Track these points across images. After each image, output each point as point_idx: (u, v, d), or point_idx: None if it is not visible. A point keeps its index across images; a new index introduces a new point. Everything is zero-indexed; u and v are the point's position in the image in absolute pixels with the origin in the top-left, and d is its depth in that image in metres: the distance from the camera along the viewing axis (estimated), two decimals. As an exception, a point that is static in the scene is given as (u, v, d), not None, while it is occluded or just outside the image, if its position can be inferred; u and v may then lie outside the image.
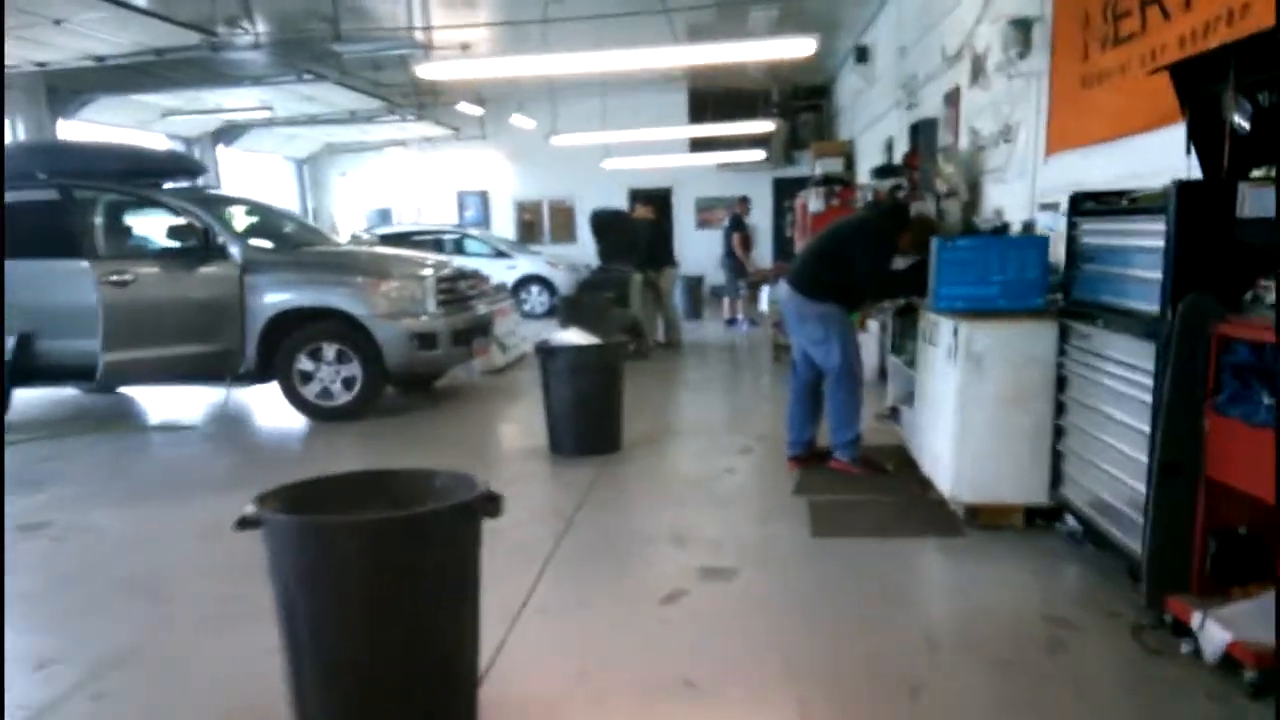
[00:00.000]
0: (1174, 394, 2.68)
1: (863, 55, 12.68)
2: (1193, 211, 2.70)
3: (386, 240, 16.37)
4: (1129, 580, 3.13)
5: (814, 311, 4.96)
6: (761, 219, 17.40)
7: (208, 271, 6.99)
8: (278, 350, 7.02)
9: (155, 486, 5.48)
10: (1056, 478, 3.69)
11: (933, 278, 4.12)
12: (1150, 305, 2.93)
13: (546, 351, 5.71)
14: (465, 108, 14.48)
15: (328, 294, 7.02)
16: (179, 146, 14.79)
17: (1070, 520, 3.66)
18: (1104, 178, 4.50)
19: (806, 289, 4.99)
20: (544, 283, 15.96)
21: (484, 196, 19.15)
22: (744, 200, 13.80)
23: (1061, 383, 3.64)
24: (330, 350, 7.03)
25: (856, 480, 4.87)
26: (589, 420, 5.76)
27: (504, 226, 19.09)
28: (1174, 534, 2.71)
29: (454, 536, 2.21)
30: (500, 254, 16.36)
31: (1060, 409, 3.65)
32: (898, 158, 10.28)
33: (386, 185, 19.12)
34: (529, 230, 19.26)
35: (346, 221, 18.44)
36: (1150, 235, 2.93)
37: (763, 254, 16.81)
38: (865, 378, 5.25)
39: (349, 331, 7.00)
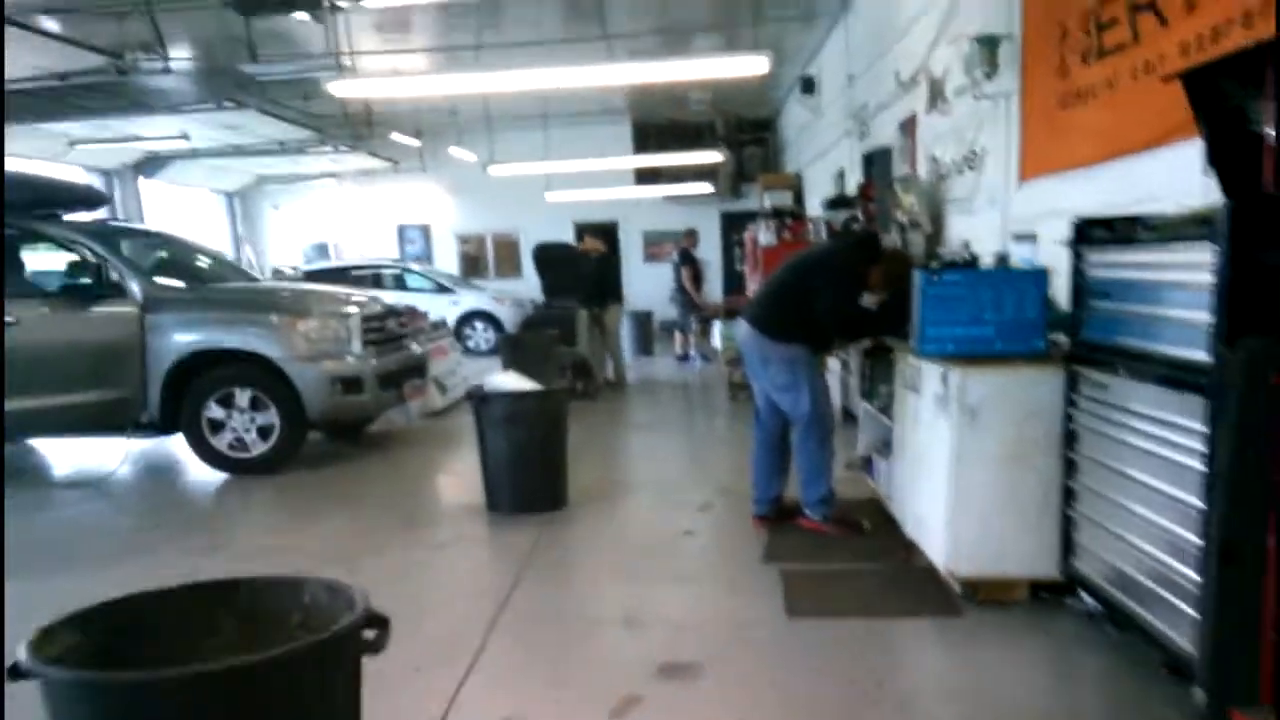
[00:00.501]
0: (1233, 461, 2.20)
1: (809, 86, 12.41)
2: (1250, 237, 2.24)
3: (320, 276, 15.66)
4: (1168, 675, 2.64)
5: (778, 354, 4.46)
6: (710, 252, 16.98)
7: (102, 311, 6.28)
8: (185, 397, 6.32)
9: (29, 556, 4.73)
10: (1068, 548, 3.20)
11: (916, 316, 3.64)
12: (1189, 350, 2.47)
13: (480, 398, 5.11)
14: (400, 138, 13.88)
15: (240, 334, 6.35)
16: (96, 179, 13.95)
17: (1085, 597, 3.17)
18: (1090, 204, 4.09)
19: (769, 329, 4.49)
20: (489, 318, 15.35)
21: (425, 230, 18.50)
22: (691, 233, 13.38)
23: (1071, 438, 3.16)
24: (243, 396, 6.35)
25: (831, 542, 4.35)
26: (529, 475, 5.17)
27: (447, 260, 18.44)
28: (1238, 633, 2.22)
29: (320, 682, 1.61)
30: (443, 289, 15.73)
31: (1070, 468, 3.17)
32: (851, 188, 9.94)
33: (324, 219, 18.38)
34: (473, 265, 18.63)
35: (280, 256, 17.64)
36: (1187, 267, 2.47)
37: (713, 288, 16.40)
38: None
39: (264, 376, 6.34)
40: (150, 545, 4.87)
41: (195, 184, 16.28)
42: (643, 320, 14.24)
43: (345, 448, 7.51)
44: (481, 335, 15.34)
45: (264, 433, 6.40)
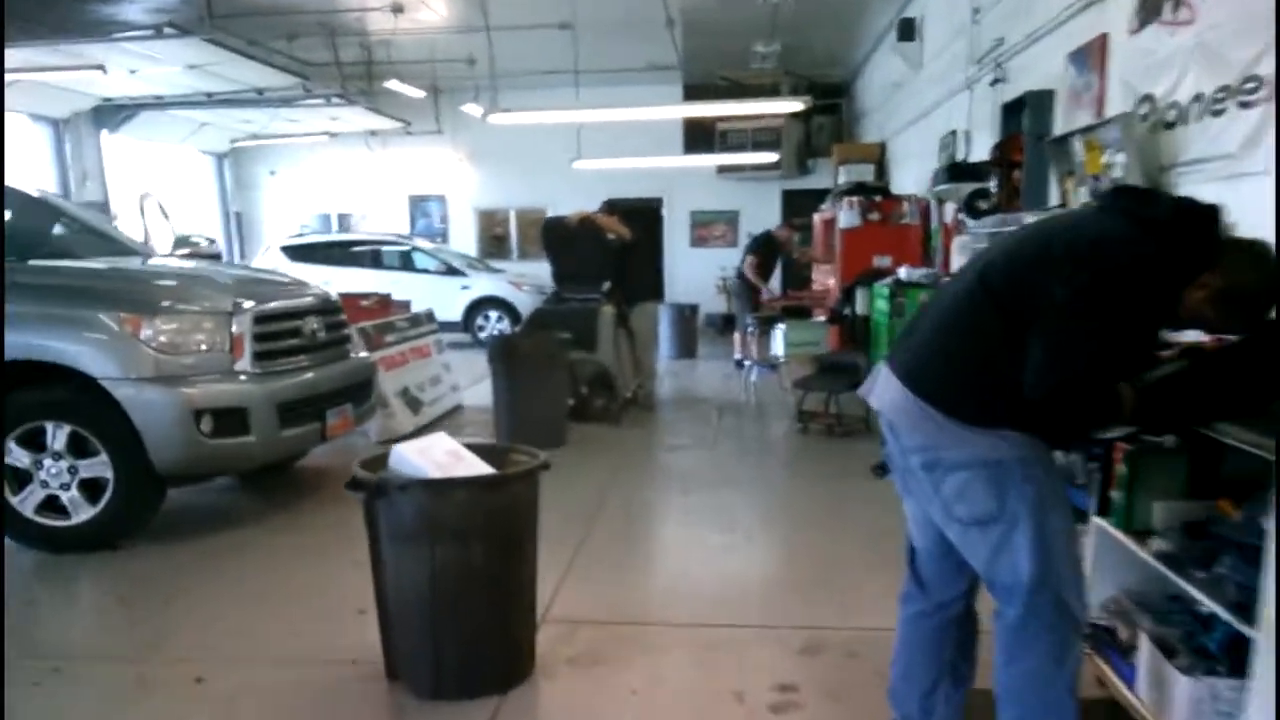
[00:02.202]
0: None
1: (907, 31, 9.84)
2: None
3: (298, 252, 13.52)
4: None
5: (968, 449, 2.04)
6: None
7: None
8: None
9: None
10: None
11: None
12: None
13: (374, 489, 2.74)
14: (400, 88, 11.55)
15: (48, 339, 4.07)
16: (45, 128, 11.85)
17: None
18: None
19: (948, 394, 2.05)
20: (505, 306, 13.05)
21: (441, 202, 16.22)
22: (792, 224, 10.78)
23: None
24: (59, 435, 4.10)
25: None
26: (464, 625, 2.81)
27: (464, 238, 16.16)
28: None
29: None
30: (452, 271, 13.46)
31: None
32: (976, 153, 7.40)
33: (328, 188, 16.18)
34: (498, 244, 16.33)
35: (277, 228, 15.50)
36: None
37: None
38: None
39: (90, 404, 4.07)
40: None
41: (173, 141, 14.13)
42: (686, 315, 11.82)
43: (255, 496, 5.25)
44: (495, 325, 13.06)
45: (91, 489, 4.15)
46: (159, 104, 11.90)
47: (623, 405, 7.68)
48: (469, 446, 2.93)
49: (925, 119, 9.59)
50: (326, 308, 5.11)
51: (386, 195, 16.17)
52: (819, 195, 12.28)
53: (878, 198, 9.19)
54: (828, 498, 5.13)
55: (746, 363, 9.72)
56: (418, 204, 16.26)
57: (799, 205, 13.91)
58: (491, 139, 15.22)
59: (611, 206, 8.07)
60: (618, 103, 14.68)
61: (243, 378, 4.28)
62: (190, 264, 5.16)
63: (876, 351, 8.10)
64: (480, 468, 2.78)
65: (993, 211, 6.38)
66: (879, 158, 11.99)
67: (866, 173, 11.19)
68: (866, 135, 13.37)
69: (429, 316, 8.20)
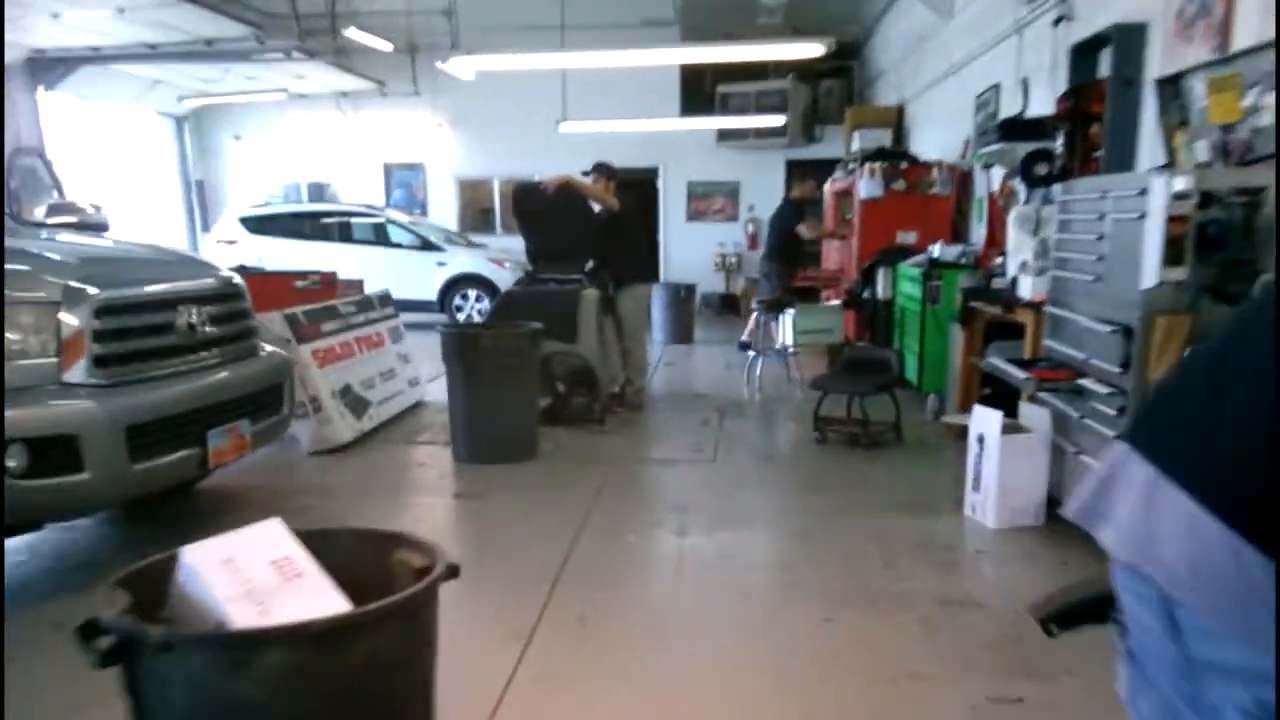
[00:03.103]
0: None
1: (936, -25, 8.63)
2: None
3: (258, 224, 12.33)
4: None
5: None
6: (766, 212, 13.13)
7: None
8: None
9: None
10: None
11: None
12: None
13: (120, 648, 1.56)
14: (361, 36, 10.28)
15: None
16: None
17: None
18: None
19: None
20: (486, 285, 11.89)
21: (419, 171, 14.99)
22: (808, 180, 9.27)
23: None
24: None
25: None
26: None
27: (445, 211, 14.93)
28: None
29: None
30: (428, 245, 12.29)
31: None
32: (1025, 110, 6.23)
33: (297, 154, 14.92)
34: (482, 218, 15.09)
35: (244, 198, 14.25)
36: None
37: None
38: None
39: None
40: None
41: (121, 100, 12.86)
42: (681, 297, 10.68)
43: (129, 530, 4.13)
44: (474, 305, 11.91)
45: None
46: (97, 57, 10.63)
47: (606, 405, 6.55)
48: (324, 539, 1.79)
49: (956, 75, 8.39)
50: (218, 294, 3.94)
51: (360, 163, 14.92)
52: (828, 166, 11.09)
53: (903, 164, 8.02)
54: (870, 541, 4.00)
55: (753, 351, 8.56)
56: (394, 173, 15.02)
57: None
58: (474, 102, 13.99)
59: (609, 171, 6.87)
60: (609, 60, 13.51)
61: (77, 392, 3.14)
62: (43, 236, 4.00)
63: (903, 342, 6.97)
64: (322, 597, 1.62)
65: (1058, 177, 5.23)
66: (896, 122, 10.80)
67: (883, 139, 10.00)
68: (881, 99, 12.15)
69: (384, 299, 7.04)
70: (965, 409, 5.66)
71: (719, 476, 5.12)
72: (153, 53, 10.44)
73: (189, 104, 13.88)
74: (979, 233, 7.28)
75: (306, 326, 5.66)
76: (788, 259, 8.96)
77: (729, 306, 13.91)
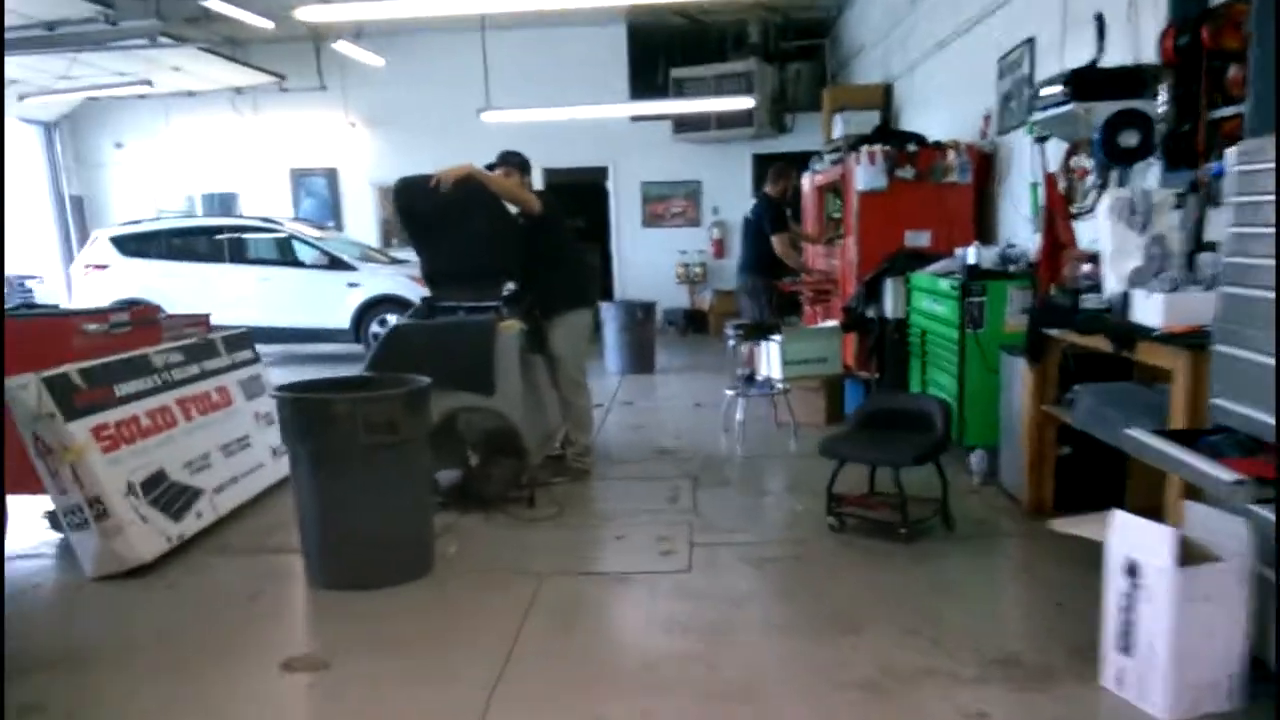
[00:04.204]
0: None
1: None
2: None
3: (133, 244, 10.44)
4: None
5: None
6: (735, 212, 11.43)
7: None
8: None
9: None
10: None
11: None
12: None
13: None
14: (233, 11, 8.40)
15: None
16: None
17: None
18: None
19: None
20: (409, 307, 10.05)
21: (330, 178, 13.10)
22: (788, 171, 7.60)
23: None
24: None
25: None
26: None
27: (362, 222, 13.07)
28: None
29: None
30: (336, 264, 10.45)
31: None
32: (1063, 66, 4.59)
33: (191, 161, 12.97)
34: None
35: (131, 215, 12.24)
36: None
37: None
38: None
39: None
40: None
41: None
42: (639, 318, 8.96)
43: None
44: (394, 334, 10.08)
45: None
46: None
47: (537, 478, 4.81)
48: None
49: (966, 37, 6.80)
50: None
51: (265, 171, 13.02)
52: (801, 159, 9.46)
53: (911, 146, 6.37)
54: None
55: (757, 378, 6.80)
56: (302, 180, 13.12)
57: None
58: (389, 96, 12.24)
59: (518, 161, 5.15)
60: (543, 48, 11.81)
61: None
62: None
63: (927, 377, 5.33)
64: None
65: (1165, 147, 3.61)
66: (883, 103, 9.20)
67: (870, 121, 8.37)
68: (860, 79, 10.55)
69: (236, 340, 5.21)
70: (1036, 477, 4.02)
71: (698, 604, 3.38)
72: (-23, 38, 8.48)
73: (57, 108, 11.90)
74: (1017, 228, 5.65)
75: (87, 392, 3.84)
76: (770, 270, 7.29)
77: (695, 325, 12.22)
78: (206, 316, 5.75)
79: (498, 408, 4.70)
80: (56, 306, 6.77)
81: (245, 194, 13.13)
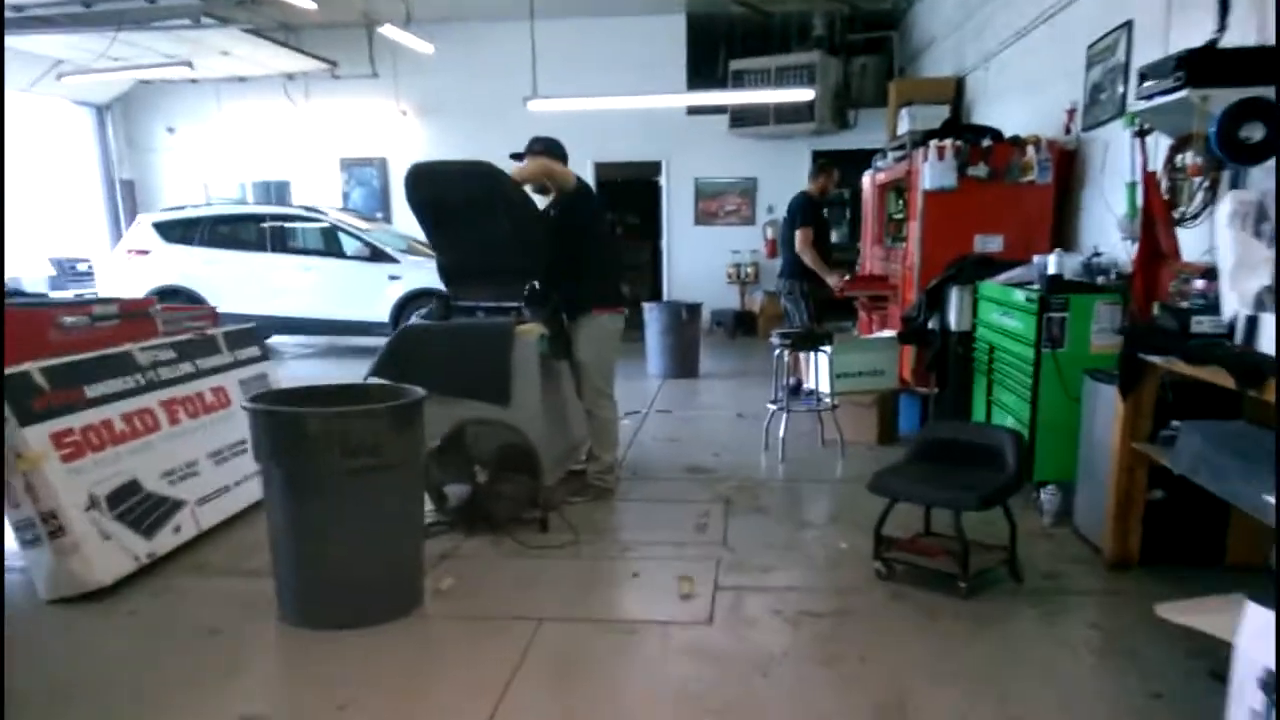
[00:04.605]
0: None
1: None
2: None
3: (176, 230, 10.27)
4: None
5: None
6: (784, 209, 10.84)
7: None
8: None
9: None
10: None
11: None
12: None
13: None
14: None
15: None
16: None
17: None
18: None
19: None
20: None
21: (381, 167, 12.84)
22: (830, 169, 7.22)
23: None
24: None
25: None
26: None
27: (410, 215, 12.73)
28: None
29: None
30: (379, 256, 10.14)
31: None
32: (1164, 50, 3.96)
33: (243, 148, 12.83)
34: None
35: (182, 200, 12.13)
36: None
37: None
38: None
39: None
40: None
41: (16, 86, 10.72)
42: (684, 320, 8.46)
43: None
44: (433, 330, 9.73)
45: None
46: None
47: (551, 501, 4.35)
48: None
49: (1050, 24, 6.16)
50: None
51: (316, 159, 12.81)
52: (864, 158, 8.85)
53: (985, 142, 5.76)
54: None
55: (803, 386, 6.29)
56: (352, 169, 12.89)
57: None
58: (442, 85, 11.94)
59: (546, 148, 4.70)
60: (598, 37, 11.37)
61: None
62: None
63: (994, 397, 4.75)
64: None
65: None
66: (954, 97, 8.55)
67: (939, 116, 7.74)
68: (930, 73, 9.88)
69: (243, 335, 4.86)
70: (1121, 525, 3.44)
71: (716, 669, 2.88)
72: (18, 15, 8.34)
73: (109, 90, 11.82)
74: (1104, 235, 5.01)
75: (50, 394, 3.48)
76: (811, 272, 6.74)
77: (745, 327, 11.67)
78: (213, 309, 5.41)
79: (513, 420, 4.27)
80: (45, 296, 6.48)
81: (297, 182, 12.95)
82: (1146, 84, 3.76)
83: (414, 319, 5.42)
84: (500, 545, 4.00)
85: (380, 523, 3.18)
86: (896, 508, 3.53)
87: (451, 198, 4.36)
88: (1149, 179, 3.91)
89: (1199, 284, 3.19)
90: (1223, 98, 3.40)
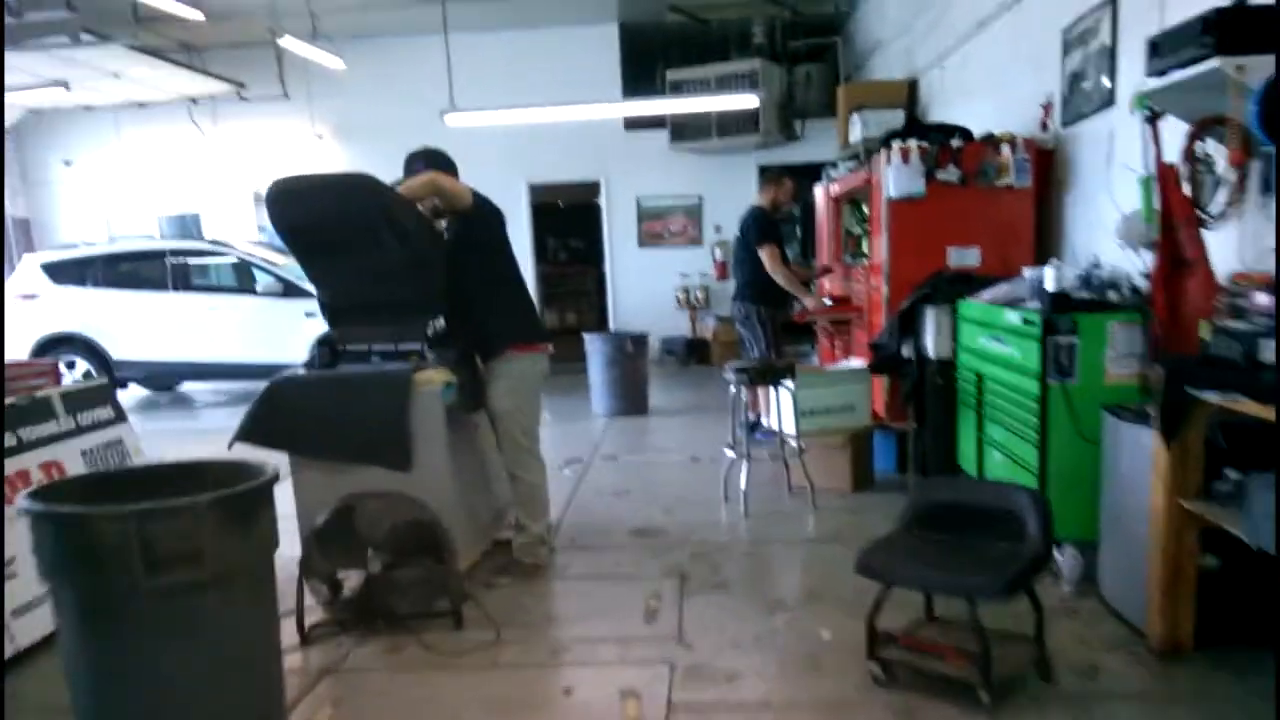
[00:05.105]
0: None
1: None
2: None
3: (67, 271, 9.29)
4: None
5: None
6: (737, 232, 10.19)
7: None
8: None
9: None
10: None
11: None
12: None
13: None
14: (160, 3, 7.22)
15: None
16: None
17: None
18: None
19: None
20: (375, 340, 8.86)
21: (299, 198, 11.91)
22: (781, 178, 6.43)
23: None
24: None
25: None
26: None
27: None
28: None
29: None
30: (292, 291, 9.24)
31: None
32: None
33: (146, 180, 11.84)
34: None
35: (83, 238, 11.09)
36: None
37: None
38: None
39: None
40: None
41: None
42: (629, 351, 7.69)
43: None
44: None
45: None
46: None
47: (464, 592, 3.55)
48: None
49: (1014, 11, 5.57)
50: None
51: (226, 189, 11.87)
52: (813, 171, 8.24)
53: (955, 142, 5.11)
54: None
55: (761, 424, 5.61)
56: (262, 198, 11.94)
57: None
58: (359, 106, 11.14)
59: (434, 163, 3.92)
60: (524, 51, 10.68)
61: None
62: None
63: (983, 435, 4.08)
64: None
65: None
66: (908, 100, 7.97)
67: (893, 121, 7.13)
68: (879, 77, 9.32)
69: (90, 395, 3.99)
70: (1170, 602, 2.75)
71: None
72: None
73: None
74: (1094, 243, 4.37)
75: None
76: (766, 295, 6.04)
77: (697, 355, 10.96)
78: (54, 365, 4.52)
79: (415, 490, 3.47)
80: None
81: (208, 215, 12.00)
82: (1160, 58, 3.12)
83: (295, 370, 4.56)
84: (400, 652, 3.19)
85: (209, 657, 2.35)
86: (893, 589, 2.80)
87: (325, 219, 3.58)
88: (1165, 173, 3.27)
89: (1262, 299, 2.52)
90: (1262, 66, 2.76)
